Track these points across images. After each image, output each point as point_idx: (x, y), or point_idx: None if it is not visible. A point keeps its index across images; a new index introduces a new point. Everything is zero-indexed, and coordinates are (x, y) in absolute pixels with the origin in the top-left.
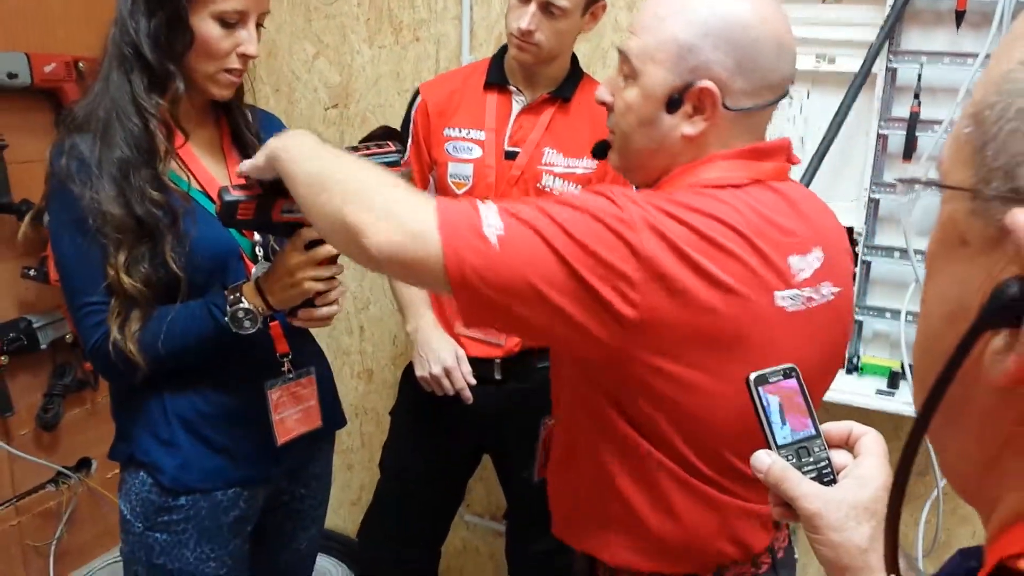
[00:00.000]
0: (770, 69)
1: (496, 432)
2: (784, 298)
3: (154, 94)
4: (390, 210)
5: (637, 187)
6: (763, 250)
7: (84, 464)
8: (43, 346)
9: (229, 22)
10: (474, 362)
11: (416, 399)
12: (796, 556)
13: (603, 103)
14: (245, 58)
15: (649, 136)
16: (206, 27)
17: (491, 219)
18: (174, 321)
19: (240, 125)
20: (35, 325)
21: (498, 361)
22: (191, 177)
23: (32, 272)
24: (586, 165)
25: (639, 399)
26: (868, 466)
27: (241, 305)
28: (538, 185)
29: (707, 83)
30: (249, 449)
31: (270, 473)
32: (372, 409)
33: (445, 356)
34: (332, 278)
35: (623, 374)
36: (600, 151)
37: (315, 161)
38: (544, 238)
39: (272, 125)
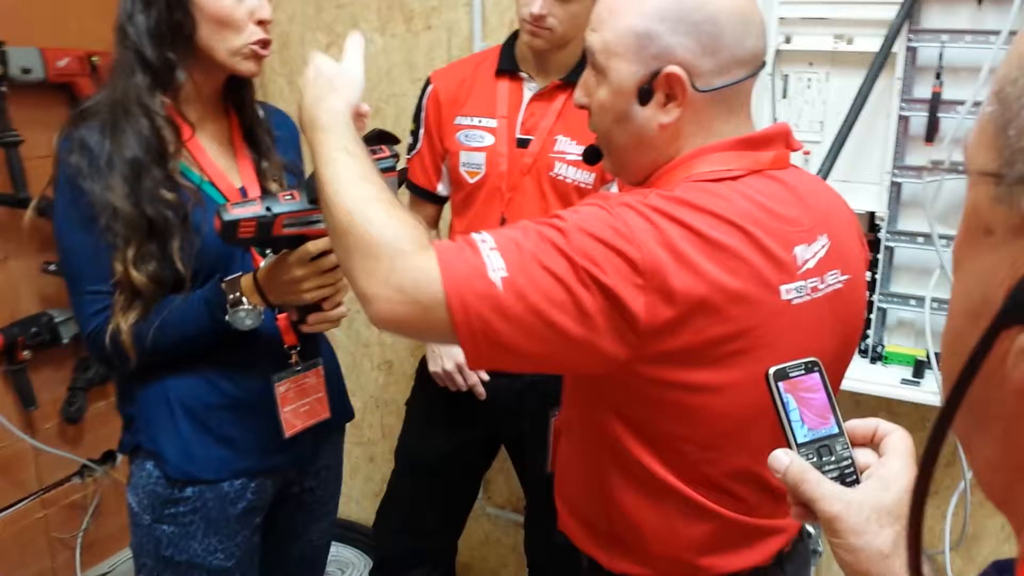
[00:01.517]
0: (736, 44)
1: (511, 423)
2: (790, 291)
3: (157, 92)
4: (397, 284)
5: (634, 185)
6: (766, 244)
7: (109, 457)
8: (65, 340)
9: None
10: None
11: (431, 391)
12: (820, 549)
13: (581, 106)
14: (263, 25)
15: (628, 131)
16: (215, 0)
17: (494, 261)
18: (171, 314)
19: (250, 120)
20: (56, 320)
21: None
22: (202, 171)
23: (52, 267)
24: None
25: (646, 408)
26: (893, 466)
27: (243, 306)
28: (551, 173)
29: (673, 68)
30: (255, 439)
31: (277, 464)
32: (392, 400)
33: (457, 352)
34: (337, 282)
35: (632, 385)
36: (592, 157)
37: (347, 193)
38: (548, 269)
39: (281, 121)
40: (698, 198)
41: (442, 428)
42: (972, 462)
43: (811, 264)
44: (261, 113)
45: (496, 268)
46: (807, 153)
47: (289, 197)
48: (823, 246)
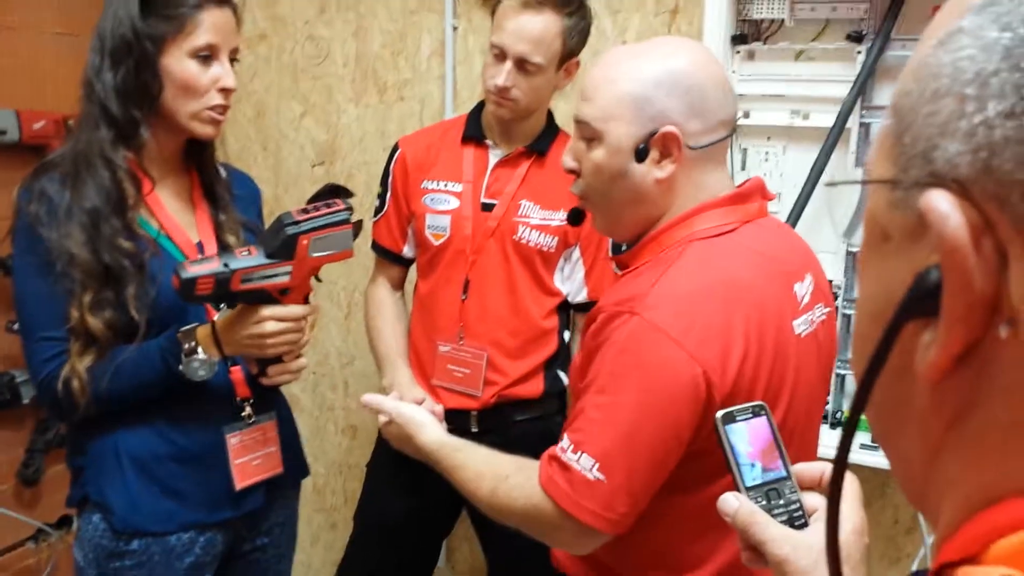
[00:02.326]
0: (719, 107)
1: None
2: (798, 325)
3: (120, 147)
4: (564, 543)
5: (624, 245)
6: (775, 287)
7: (65, 522)
8: (26, 401)
9: (203, 55)
10: (450, 414)
11: (393, 453)
12: None
13: (570, 171)
14: (225, 92)
15: (624, 187)
16: (182, 66)
17: (583, 462)
18: (125, 363)
19: (211, 177)
20: (18, 379)
21: (475, 413)
22: (160, 225)
23: (16, 326)
24: (561, 217)
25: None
26: (841, 510)
27: (197, 356)
28: (514, 237)
29: (669, 128)
30: (204, 492)
31: (226, 517)
32: (356, 465)
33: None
34: (301, 331)
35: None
36: (576, 218)
37: (480, 498)
38: (629, 435)
39: (242, 182)
40: (712, 277)
41: (402, 491)
42: (892, 464)
43: (807, 300)
44: (223, 173)
45: (587, 467)
46: None
47: (246, 253)
48: (811, 283)
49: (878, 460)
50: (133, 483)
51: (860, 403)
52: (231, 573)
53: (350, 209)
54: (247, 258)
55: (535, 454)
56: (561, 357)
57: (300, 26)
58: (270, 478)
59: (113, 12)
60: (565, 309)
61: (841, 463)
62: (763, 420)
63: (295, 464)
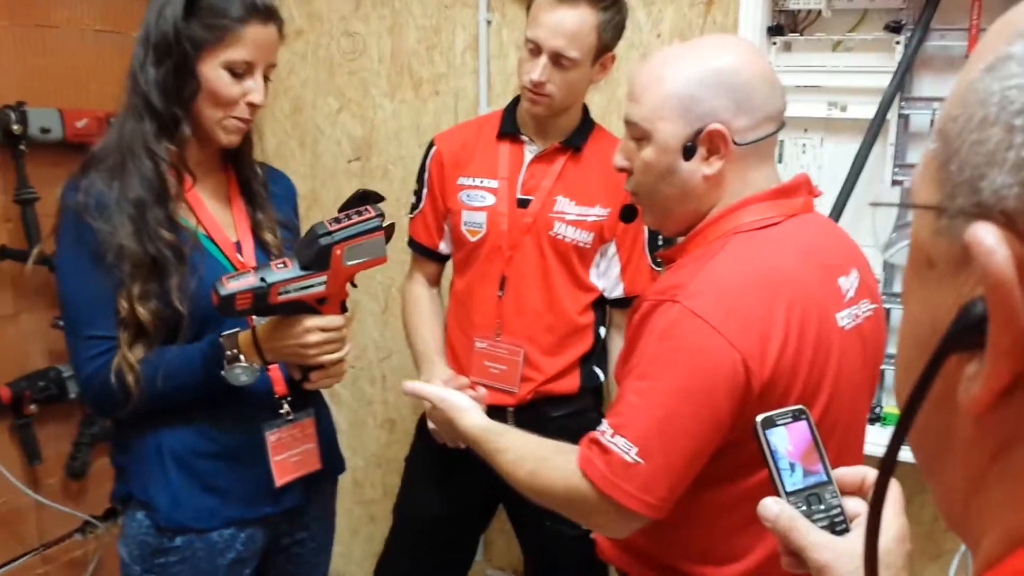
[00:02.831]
0: (765, 103)
1: None
2: (842, 318)
3: (163, 139)
4: (565, 508)
5: (661, 239)
6: (818, 279)
7: (111, 514)
8: (72, 395)
9: (237, 71)
10: (487, 411)
11: (431, 447)
12: None
13: (621, 169)
14: (252, 107)
15: (672, 184)
16: (215, 75)
17: (622, 444)
18: (170, 362)
19: (248, 175)
20: (64, 375)
21: (511, 410)
22: (198, 221)
23: (62, 322)
24: (597, 213)
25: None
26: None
27: (239, 363)
28: (550, 232)
29: (716, 125)
30: (245, 488)
31: (266, 513)
32: (395, 459)
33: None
34: (342, 340)
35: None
36: (628, 215)
37: (518, 480)
38: (668, 419)
39: (278, 180)
40: (754, 265)
41: (440, 485)
42: (933, 491)
43: (852, 294)
44: (259, 171)
45: (626, 450)
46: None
47: (282, 265)
48: (856, 278)
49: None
50: (175, 480)
51: (902, 431)
52: (271, 567)
53: (381, 215)
54: (283, 271)
55: None
56: (597, 353)
57: (336, 22)
58: (308, 474)
59: (160, 7)
60: (601, 305)
61: (886, 474)
62: (803, 424)
63: (332, 460)
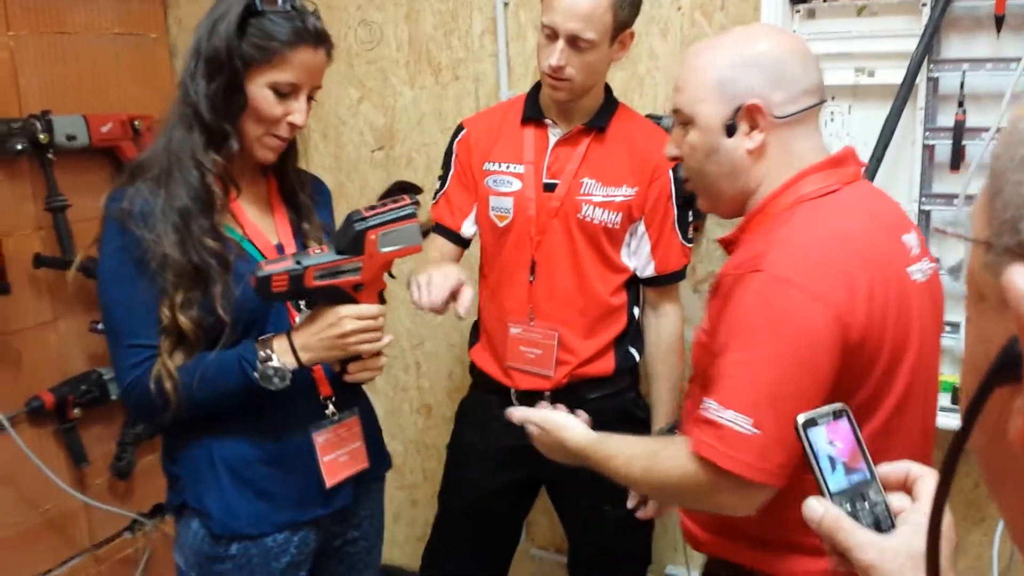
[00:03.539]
0: (800, 76)
1: (549, 464)
2: (913, 272)
3: (211, 151)
4: (685, 497)
5: (727, 218)
6: (885, 237)
7: (159, 510)
8: (114, 397)
9: (282, 92)
10: (524, 395)
11: (471, 433)
12: None
13: (673, 158)
14: (293, 127)
15: (719, 163)
16: (260, 94)
17: (733, 418)
18: (207, 367)
19: (294, 185)
20: (105, 377)
21: (547, 394)
22: (242, 229)
23: (100, 326)
24: (625, 193)
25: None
26: (927, 511)
27: (271, 363)
28: (578, 215)
29: (754, 100)
30: (295, 492)
31: (318, 515)
32: (433, 444)
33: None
34: (380, 329)
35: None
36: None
37: (634, 482)
38: (774, 385)
39: (318, 187)
40: (826, 230)
41: (483, 471)
42: (1001, 512)
43: (916, 251)
44: (304, 179)
45: (740, 423)
46: None
47: (319, 251)
48: (915, 238)
49: (955, 422)
50: (228, 488)
51: (950, 466)
52: (324, 568)
53: (416, 203)
54: (319, 255)
55: (611, 431)
56: (631, 333)
57: (352, 11)
58: (357, 473)
59: (214, 21)
60: (634, 285)
61: (945, 487)
62: (844, 422)
63: (379, 457)
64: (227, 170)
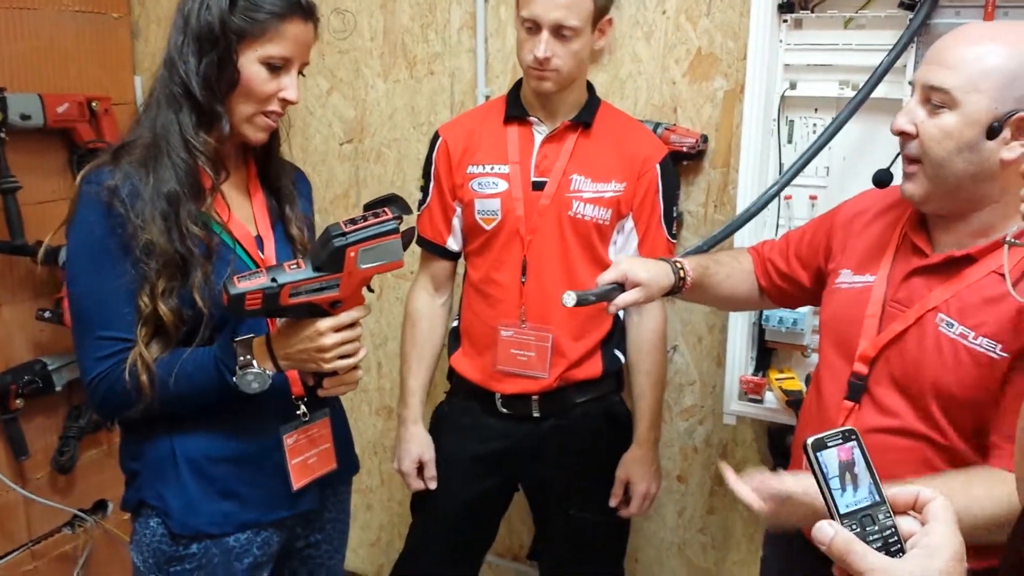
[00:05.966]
0: None
1: (534, 467)
2: None
3: (202, 132)
4: None
5: (930, 215)
6: None
7: (100, 506)
8: (58, 388)
9: (275, 66)
10: (511, 399)
11: (449, 439)
12: None
13: (903, 132)
14: (284, 103)
15: (970, 161)
16: (252, 69)
17: None
18: (184, 364)
19: (277, 171)
20: (50, 367)
21: (535, 398)
22: (222, 217)
23: (47, 314)
24: (614, 188)
25: None
26: (938, 534)
27: (251, 369)
28: (569, 213)
29: None
30: (261, 492)
31: (282, 516)
32: (391, 447)
33: (417, 453)
34: (358, 339)
35: None
36: (883, 180)
37: None
38: None
39: (300, 178)
40: None
41: (467, 478)
42: None
43: None
44: (286, 167)
45: None
46: (814, 198)
47: (295, 266)
48: None
49: None
50: (190, 485)
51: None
52: (286, 570)
53: (399, 218)
54: (295, 272)
55: (597, 434)
56: (616, 336)
57: None
58: (324, 475)
59: None
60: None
61: None
62: (854, 445)
63: (347, 459)
64: (218, 152)
